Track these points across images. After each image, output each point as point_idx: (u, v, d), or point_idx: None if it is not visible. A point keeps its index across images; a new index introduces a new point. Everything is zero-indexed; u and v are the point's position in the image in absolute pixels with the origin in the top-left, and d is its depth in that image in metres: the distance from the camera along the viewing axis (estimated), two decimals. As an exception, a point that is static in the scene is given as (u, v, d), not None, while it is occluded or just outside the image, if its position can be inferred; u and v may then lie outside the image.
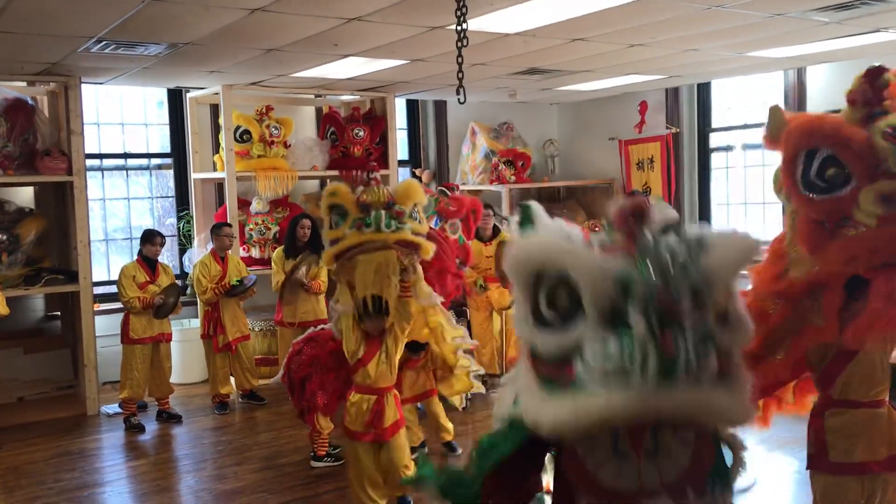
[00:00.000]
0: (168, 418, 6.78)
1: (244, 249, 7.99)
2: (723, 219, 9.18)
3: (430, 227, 5.34)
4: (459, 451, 5.69)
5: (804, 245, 2.56)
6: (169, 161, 8.70)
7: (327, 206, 4.13)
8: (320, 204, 4.23)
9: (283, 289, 6.78)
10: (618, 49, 6.49)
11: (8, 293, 6.52)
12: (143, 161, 8.70)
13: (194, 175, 8.28)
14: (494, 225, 7.60)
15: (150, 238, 6.69)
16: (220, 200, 8.28)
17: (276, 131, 7.86)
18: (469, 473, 2.25)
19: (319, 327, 4.72)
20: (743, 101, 8.94)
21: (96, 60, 6.26)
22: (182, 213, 8.55)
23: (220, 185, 8.29)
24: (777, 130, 2.73)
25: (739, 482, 2.27)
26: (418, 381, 5.36)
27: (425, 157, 9.81)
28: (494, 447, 2.24)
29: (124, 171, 8.61)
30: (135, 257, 6.86)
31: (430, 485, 2.30)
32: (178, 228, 8.55)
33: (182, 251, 8.54)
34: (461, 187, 9.72)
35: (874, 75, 2.53)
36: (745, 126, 8.84)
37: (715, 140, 9.21)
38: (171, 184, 8.71)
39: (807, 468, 3.24)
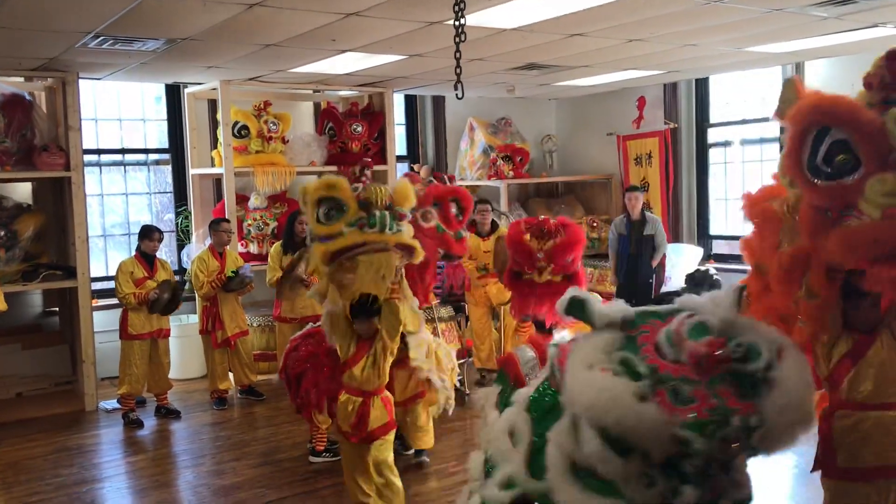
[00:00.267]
0: (167, 414, 6.79)
1: (242, 245, 7.99)
2: (720, 214, 9.18)
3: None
4: (427, 460, 5.46)
5: (804, 232, 2.43)
6: (167, 157, 8.68)
7: (320, 197, 3.95)
8: (304, 196, 4.02)
9: (280, 284, 6.78)
10: (616, 44, 6.49)
11: (6, 289, 6.51)
12: (141, 157, 8.69)
13: (192, 171, 8.27)
14: (492, 220, 7.60)
15: (148, 234, 6.69)
16: (219, 196, 8.28)
17: (275, 127, 7.85)
18: None
19: (318, 323, 4.71)
20: (741, 97, 8.94)
21: (94, 56, 6.25)
22: (180, 209, 8.54)
23: (218, 181, 8.28)
24: (788, 105, 2.49)
25: None
26: (410, 383, 5.11)
27: (423, 153, 9.81)
28: None
29: (122, 167, 8.60)
30: (133, 253, 6.86)
31: None
32: (177, 224, 8.54)
33: (180, 247, 8.54)
34: (460, 183, 9.74)
35: (895, 57, 2.33)
36: (744, 121, 8.84)
37: (713, 135, 9.21)
38: (169, 179, 8.70)
39: (811, 471, 3.12)
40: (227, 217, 7.39)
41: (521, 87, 9.01)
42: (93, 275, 7.21)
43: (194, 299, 7.74)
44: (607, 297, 7.23)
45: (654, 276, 7.97)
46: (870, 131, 2.22)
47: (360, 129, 8.29)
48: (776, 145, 8.45)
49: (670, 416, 2.00)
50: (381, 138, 8.49)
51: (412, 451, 5.51)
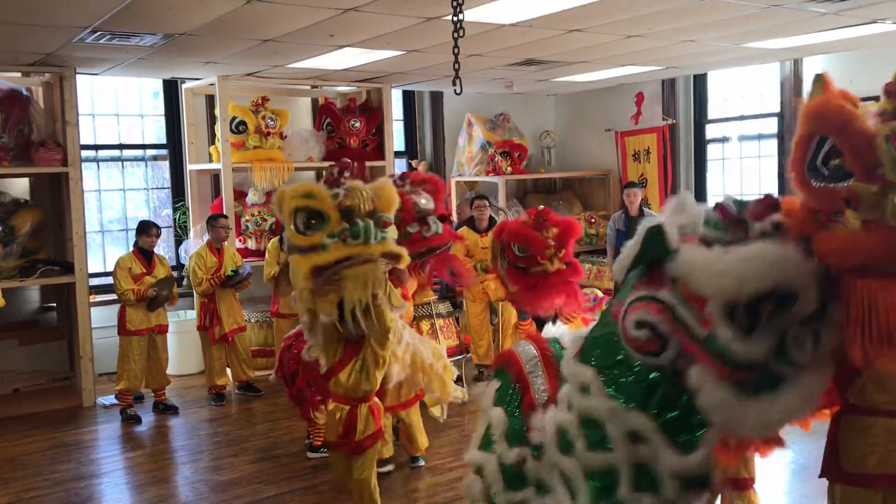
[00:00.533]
0: (164, 409, 6.79)
1: (240, 241, 7.98)
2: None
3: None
4: (422, 463, 5.33)
5: (794, 229, 2.45)
6: (165, 152, 8.67)
7: (296, 207, 3.65)
8: (280, 204, 3.73)
9: (278, 280, 6.77)
10: (614, 40, 6.48)
11: (3, 284, 6.51)
12: (139, 152, 8.68)
13: (190, 166, 8.26)
14: (490, 216, 7.59)
15: (146, 229, 6.68)
16: (216, 192, 8.27)
17: (272, 122, 7.84)
18: None
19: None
20: (739, 93, 8.94)
21: (91, 51, 6.23)
22: (178, 205, 8.53)
23: (215, 177, 8.27)
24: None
25: None
26: (402, 389, 4.95)
27: (422, 149, 9.80)
28: None
29: (120, 163, 8.59)
30: (131, 249, 6.86)
31: None
32: (174, 220, 8.54)
33: (178, 242, 8.53)
34: (458, 179, 9.74)
35: None
36: (742, 117, 8.84)
37: (711, 131, 9.21)
38: (167, 175, 8.69)
39: (819, 476, 3.04)
40: (224, 213, 7.38)
41: (519, 83, 9.00)
42: (90, 270, 7.21)
43: (192, 295, 7.73)
44: (606, 292, 7.24)
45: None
46: (858, 143, 2.26)
47: (358, 124, 8.28)
48: (774, 141, 8.45)
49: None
50: (379, 134, 8.48)
51: (422, 464, 5.37)
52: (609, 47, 6.80)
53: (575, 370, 2.59)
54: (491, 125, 9.75)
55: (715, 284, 2.18)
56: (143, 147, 8.69)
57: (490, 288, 7.26)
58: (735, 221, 2.32)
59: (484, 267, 7.24)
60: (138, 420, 6.56)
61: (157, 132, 8.74)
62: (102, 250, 8.44)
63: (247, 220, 8.04)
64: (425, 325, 6.57)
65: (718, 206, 2.40)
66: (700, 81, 9.19)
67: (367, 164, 8.18)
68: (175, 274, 7.31)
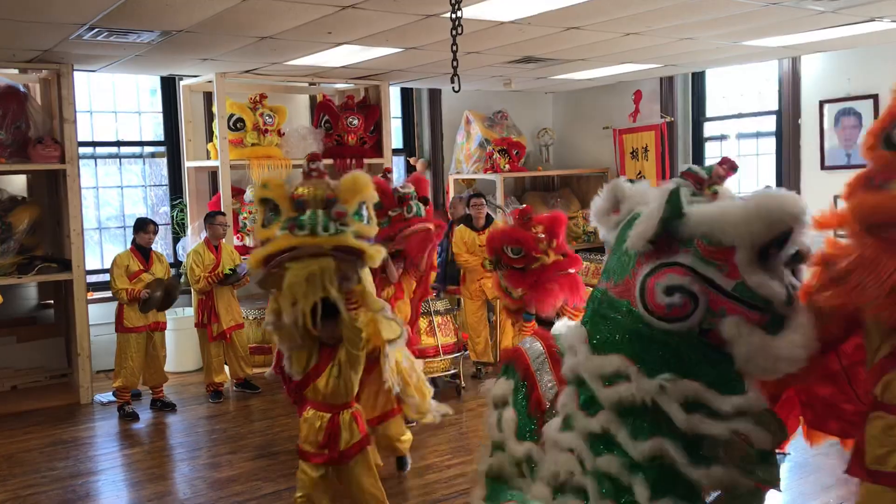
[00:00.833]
0: (162, 407, 6.78)
1: (238, 238, 7.97)
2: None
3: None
4: (408, 466, 5.14)
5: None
6: (162, 149, 8.67)
7: (258, 199, 3.60)
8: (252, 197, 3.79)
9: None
10: (613, 38, 6.48)
11: (1, 281, 6.51)
12: (137, 149, 8.67)
13: (188, 163, 8.25)
14: (487, 214, 7.59)
15: (143, 226, 6.68)
16: (214, 189, 8.26)
17: (270, 119, 7.83)
18: None
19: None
20: (737, 91, 8.94)
21: (89, 48, 6.22)
22: (175, 202, 8.53)
23: (213, 174, 8.26)
24: None
25: None
26: (378, 400, 4.71)
27: (420, 146, 9.80)
28: None
29: (117, 160, 8.58)
30: (128, 246, 6.85)
31: None
32: (172, 217, 8.53)
33: (175, 240, 8.52)
34: (456, 176, 9.74)
35: None
36: (740, 115, 8.84)
37: (709, 129, 9.22)
38: (165, 172, 8.68)
39: (844, 472, 2.94)
40: (222, 210, 7.38)
41: (517, 81, 8.99)
42: (88, 267, 7.20)
43: (189, 292, 7.72)
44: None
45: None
46: None
47: (356, 122, 8.27)
48: (772, 139, 8.46)
49: None
50: (378, 131, 8.48)
51: (408, 468, 5.22)
52: (607, 45, 6.80)
53: (599, 362, 2.56)
54: (489, 123, 9.75)
55: (743, 232, 2.33)
56: (141, 144, 8.68)
57: (487, 286, 7.27)
58: (708, 184, 2.55)
59: (491, 263, 7.25)
60: (136, 417, 6.56)
61: (154, 129, 8.72)
62: (100, 247, 8.43)
63: (244, 218, 8.03)
64: (423, 323, 6.56)
65: (688, 174, 2.62)
66: (698, 79, 9.19)
67: (366, 161, 8.23)
68: (173, 271, 7.29)
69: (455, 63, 4.31)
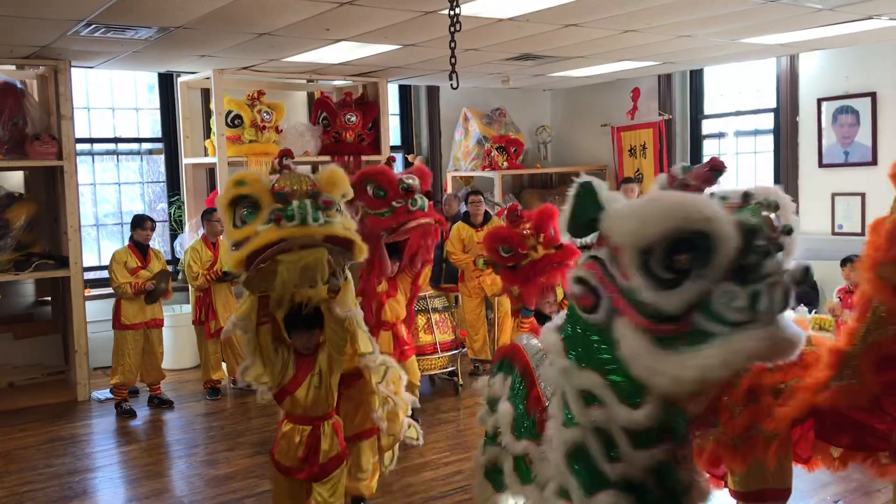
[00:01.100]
0: (159, 404, 6.78)
1: (236, 235, 7.95)
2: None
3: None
4: None
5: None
6: (160, 146, 8.65)
7: (231, 198, 3.26)
8: (219, 202, 3.37)
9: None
10: (611, 35, 6.48)
11: (-2, 278, 6.49)
12: (134, 146, 8.66)
13: (185, 160, 8.24)
14: (486, 211, 7.59)
15: (141, 223, 6.67)
16: (212, 186, 8.25)
17: (268, 116, 7.82)
18: None
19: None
20: (735, 88, 8.94)
21: (86, 44, 6.21)
22: (173, 199, 8.51)
23: (211, 171, 8.25)
24: None
25: None
26: (356, 418, 4.31)
27: (418, 143, 9.79)
28: None
29: (115, 156, 8.56)
30: (126, 242, 6.84)
31: None
32: (170, 214, 8.52)
33: (173, 237, 8.51)
34: (454, 174, 9.73)
35: None
36: (738, 113, 8.85)
37: (707, 127, 9.22)
38: (162, 169, 8.67)
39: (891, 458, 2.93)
40: (220, 207, 7.36)
41: (515, 78, 8.99)
42: (85, 264, 7.19)
43: (187, 289, 7.71)
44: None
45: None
46: None
47: (354, 119, 8.26)
48: (770, 137, 8.46)
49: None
50: (375, 128, 8.47)
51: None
52: (606, 42, 6.80)
53: (547, 339, 2.53)
54: (487, 120, 9.74)
55: (624, 230, 2.17)
56: (139, 141, 8.66)
57: (486, 283, 7.26)
58: (681, 185, 2.39)
59: (486, 261, 7.23)
60: (133, 414, 6.55)
61: (152, 126, 8.71)
62: (97, 244, 8.42)
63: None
64: (421, 320, 6.56)
65: (667, 173, 2.50)
66: (696, 77, 9.19)
67: (363, 158, 8.22)
68: (170, 268, 7.28)
69: (453, 60, 4.30)
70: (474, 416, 5.71)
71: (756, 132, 8.69)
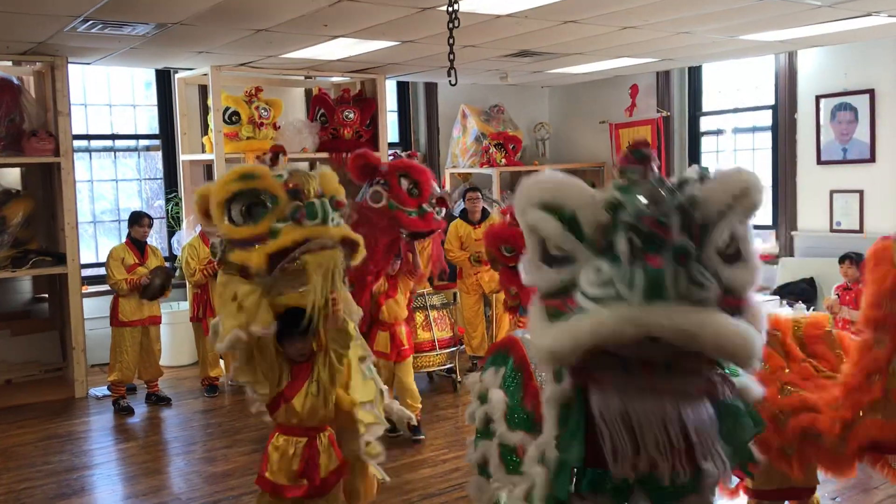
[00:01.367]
0: (157, 401, 6.77)
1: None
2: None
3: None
4: None
5: None
6: (157, 142, 8.64)
7: (234, 193, 3.05)
8: (203, 198, 3.18)
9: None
10: (610, 31, 6.47)
11: (-5, 275, 6.48)
12: (131, 142, 8.64)
13: (183, 157, 8.22)
14: (483, 208, 7.58)
15: (138, 220, 6.66)
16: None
17: (266, 113, 7.80)
18: None
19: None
20: (734, 85, 8.94)
21: (83, 40, 6.19)
22: (170, 195, 8.50)
23: (208, 167, 8.23)
24: None
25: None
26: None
27: (416, 140, 9.78)
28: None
29: (112, 153, 8.55)
30: (123, 239, 6.83)
31: None
32: (167, 210, 8.50)
33: (170, 233, 8.50)
34: (452, 170, 9.72)
35: None
36: (736, 110, 8.84)
37: (705, 124, 9.21)
38: (160, 165, 8.65)
39: None
40: (218, 204, 7.34)
41: (514, 75, 8.97)
42: (83, 261, 7.18)
43: (185, 286, 7.70)
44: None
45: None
46: None
47: (351, 115, 8.24)
48: (768, 134, 8.46)
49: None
50: (373, 125, 8.45)
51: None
52: (604, 39, 6.79)
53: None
54: (485, 117, 9.73)
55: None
56: (136, 137, 8.65)
57: (484, 280, 7.26)
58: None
59: (478, 258, 7.23)
60: (131, 411, 6.55)
61: (149, 122, 8.69)
62: (95, 241, 8.40)
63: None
64: (419, 317, 6.56)
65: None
66: (695, 74, 9.18)
67: (361, 155, 8.20)
68: (168, 265, 7.27)
69: (451, 57, 4.29)
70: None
71: (754, 129, 8.69)
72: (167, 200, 8.52)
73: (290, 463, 3.33)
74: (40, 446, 5.76)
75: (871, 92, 7.43)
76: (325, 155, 8.03)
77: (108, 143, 8.50)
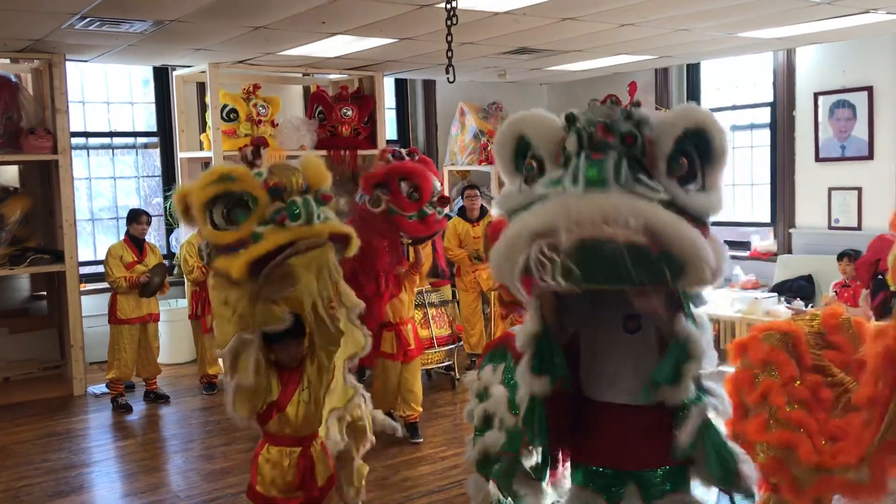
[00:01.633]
0: (156, 398, 6.77)
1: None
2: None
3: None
4: None
5: None
6: (155, 140, 8.63)
7: (212, 196, 2.88)
8: (184, 200, 3.01)
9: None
10: (608, 28, 6.46)
11: (-7, 273, 6.47)
12: (129, 140, 8.63)
13: (181, 154, 8.21)
14: (482, 205, 7.58)
15: (137, 217, 6.66)
16: (207, 180, 8.21)
17: (264, 110, 7.79)
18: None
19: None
20: (732, 83, 8.94)
21: (81, 37, 6.18)
22: (169, 193, 8.48)
23: (206, 165, 8.21)
24: None
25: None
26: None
27: (414, 137, 9.77)
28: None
29: (110, 150, 8.54)
30: (121, 237, 6.82)
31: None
32: (165, 208, 8.49)
33: (169, 231, 8.49)
34: (450, 168, 9.72)
35: None
36: (735, 107, 8.84)
37: (704, 121, 9.20)
38: (158, 163, 8.64)
39: None
40: (216, 201, 7.33)
41: (512, 72, 8.97)
42: (81, 259, 7.17)
43: (183, 284, 7.70)
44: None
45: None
46: None
47: (349, 112, 8.23)
48: (766, 131, 8.46)
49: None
50: (371, 122, 8.44)
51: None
52: (602, 36, 6.78)
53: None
54: (484, 114, 9.72)
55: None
56: (134, 135, 8.64)
57: (482, 277, 7.26)
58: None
59: (477, 256, 7.24)
60: (129, 409, 6.55)
61: (147, 120, 8.68)
62: (93, 238, 8.40)
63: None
64: (418, 315, 6.56)
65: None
66: (693, 71, 9.17)
67: (360, 152, 8.20)
68: (166, 263, 7.27)
69: (450, 54, 4.29)
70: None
71: (752, 126, 8.68)
72: (165, 198, 8.50)
73: (285, 475, 3.20)
74: (39, 444, 5.76)
75: (869, 89, 7.43)
76: (323, 152, 8.02)
77: (106, 140, 8.50)
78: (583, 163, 2.08)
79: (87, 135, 8.29)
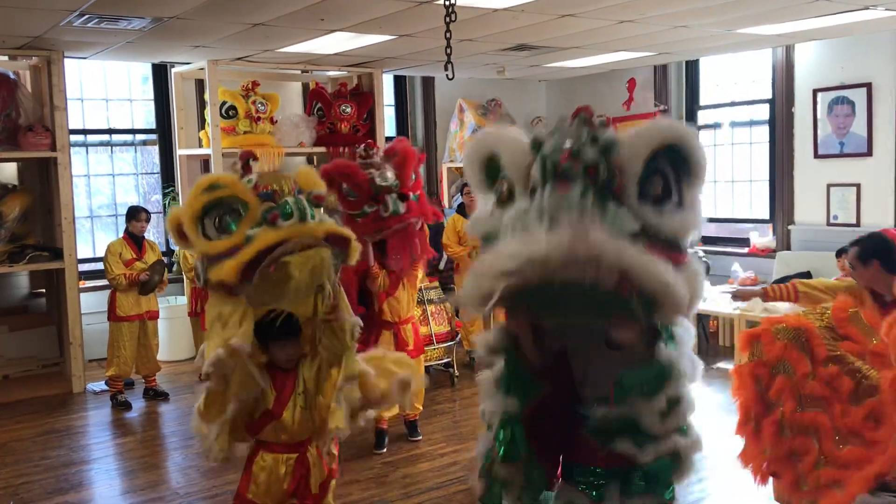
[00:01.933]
0: (155, 396, 6.77)
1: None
2: (709, 196, 9.19)
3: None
4: None
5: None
6: (154, 137, 8.62)
7: (202, 207, 2.83)
8: (177, 218, 2.92)
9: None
10: (607, 25, 6.46)
11: (-8, 270, 6.47)
12: (128, 137, 8.63)
13: (180, 151, 8.21)
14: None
15: (136, 214, 6.65)
16: (206, 177, 8.21)
17: (263, 107, 7.79)
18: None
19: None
20: (731, 79, 8.93)
21: (79, 34, 6.17)
22: (167, 190, 8.49)
23: (205, 162, 8.21)
24: None
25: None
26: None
27: (413, 134, 9.77)
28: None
29: (109, 148, 8.53)
30: (120, 234, 6.82)
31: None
32: (164, 205, 8.49)
33: (168, 228, 8.48)
34: (449, 165, 9.71)
35: None
36: (733, 104, 8.84)
37: (703, 117, 9.20)
38: (157, 160, 8.64)
39: None
40: (215, 198, 7.33)
41: (511, 69, 8.96)
42: (80, 256, 7.17)
43: (182, 281, 7.70)
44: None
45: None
46: None
47: (348, 109, 8.23)
48: (765, 128, 8.45)
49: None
50: (371, 119, 8.44)
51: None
52: (601, 33, 6.78)
53: None
54: (482, 111, 9.72)
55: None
56: (133, 132, 8.63)
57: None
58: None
59: (478, 253, 7.22)
60: (129, 406, 6.55)
61: (146, 117, 8.68)
62: (92, 236, 8.39)
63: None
64: (417, 312, 6.55)
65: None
66: (692, 68, 9.17)
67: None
68: (165, 260, 7.27)
69: (448, 50, 4.28)
70: (470, 407, 5.73)
71: (751, 123, 8.68)
72: (164, 195, 8.51)
73: (281, 483, 3.14)
74: (38, 441, 5.76)
75: (868, 85, 7.43)
76: (322, 149, 8.02)
77: (105, 137, 8.49)
78: (547, 198, 2.02)
79: (85, 132, 8.29)
